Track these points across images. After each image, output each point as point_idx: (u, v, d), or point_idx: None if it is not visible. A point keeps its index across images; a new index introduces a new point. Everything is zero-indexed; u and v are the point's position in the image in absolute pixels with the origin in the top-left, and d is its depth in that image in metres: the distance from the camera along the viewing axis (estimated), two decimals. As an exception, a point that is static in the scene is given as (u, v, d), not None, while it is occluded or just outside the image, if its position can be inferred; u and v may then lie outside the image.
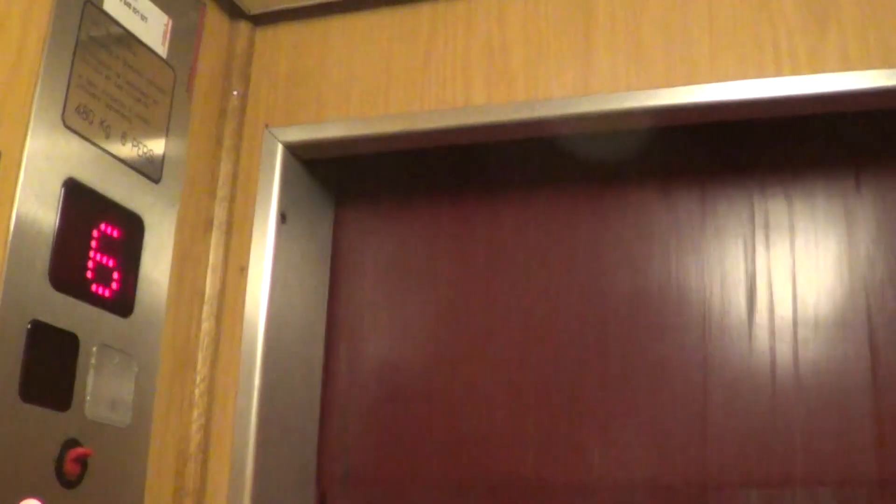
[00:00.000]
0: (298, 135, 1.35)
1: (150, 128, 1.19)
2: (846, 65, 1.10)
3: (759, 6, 1.16)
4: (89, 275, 1.06)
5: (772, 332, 1.26)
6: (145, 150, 1.17)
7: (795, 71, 1.12)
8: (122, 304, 1.11)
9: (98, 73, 1.10)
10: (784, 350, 1.25)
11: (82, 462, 1.02)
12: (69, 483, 1.00)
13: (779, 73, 1.12)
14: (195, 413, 1.23)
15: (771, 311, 1.27)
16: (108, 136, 1.11)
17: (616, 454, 1.29)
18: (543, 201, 1.43)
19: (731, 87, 1.14)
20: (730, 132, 1.32)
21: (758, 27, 1.15)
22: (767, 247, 1.29)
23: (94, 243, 1.07)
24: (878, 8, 1.11)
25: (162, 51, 1.22)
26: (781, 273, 1.28)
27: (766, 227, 1.30)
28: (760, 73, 1.13)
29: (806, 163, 1.31)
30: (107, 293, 1.08)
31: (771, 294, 1.27)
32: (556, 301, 1.37)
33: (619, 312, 1.34)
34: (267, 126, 1.36)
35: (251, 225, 1.33)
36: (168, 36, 1.23)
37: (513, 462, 1.33)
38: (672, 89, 1.16)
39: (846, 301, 1.24)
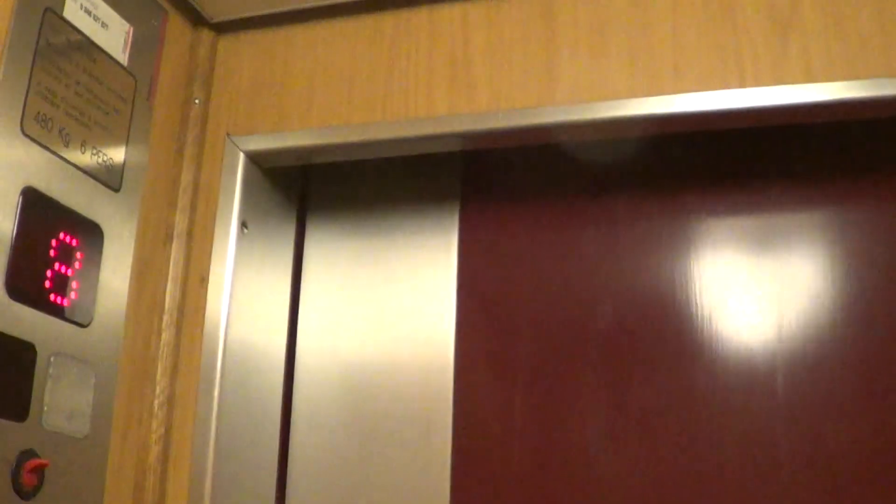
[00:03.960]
0: (260, 144, 1.34)
1: (110, 136, 1.18)
2: (809, 76, 1.11)
3: (723, 18, 1.17)
4: (47, 284, 1.05)
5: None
6: (105, 158, 1.16)
7: (758, 82, 1.13)
8: (81, 313, 1.10)
9: (57, 80, 1.09)
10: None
11: (39, 473, 1.00)
12: (25, 494, 0.99)
13: (742, 84, 1.13)
14: (154, 424, 1.22)
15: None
16: (67, 145, 1.10)
17: (614, 467, 1.29)
18: (512, 209, 1.43)
19: (694, 98, 1.14)
20: (732, 140, 1.34)
21: (721, 39, 1.16)
22: (767, 259, 1.30)
23: (52, 252, 1.06)
24: (841, 20, 1.12)
25: (123, 58, 1.21)
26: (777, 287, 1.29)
27: (761, 239, 1.31)
28: (723, 85, 1.14)
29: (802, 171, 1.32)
30: (65, 303, 1.07)
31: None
32: (528, 314, 1.37)
33: (602, 319, 1.35)
34: (228, 135, 1.35)
35: (212, 234, 1.32)
36: (129, 43, 1.22)
37: (492, 474, 1.33)
38: (635, 100, 1.16)
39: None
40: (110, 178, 1.17)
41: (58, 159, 1.08)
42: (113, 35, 1.20)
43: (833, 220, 1.29)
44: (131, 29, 1.23)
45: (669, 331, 1.31)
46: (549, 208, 1.42)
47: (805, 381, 1.24)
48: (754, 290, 1.29)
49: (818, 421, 1.22)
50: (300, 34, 1.37)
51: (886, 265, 1.25)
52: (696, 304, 1.30)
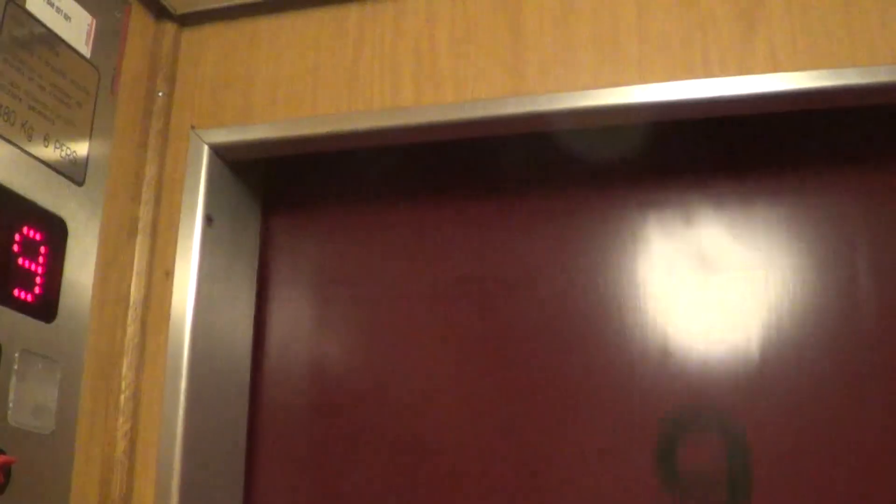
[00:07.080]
0: (225, 136, 1.33)
1: (73, 129, 1.17)
2: (775, 66, 1.12)
3: (688, 7, 1.17)
4: (11, 279, 1.04)
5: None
6: (68, 152, 1.15)
7: (724, 72, 1.13)
8: (45, 309, 1.09)
9: (20, 73, 1.08)
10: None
11: (5, 470, 0.99)
12: (-8, 492, 0.98)
13: (708, 74, 1.14)
14: (120, 419, 1.22)
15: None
16: (30, 138, 1.09)
17: (566, 458, 1.29)
18: (478, 204, 1.43)
19: (660, 88, 1.15)
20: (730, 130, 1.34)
21: (687, 29, 1.17)
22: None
23: (15, 247, 1.05)
24: (805, 10, 1.13)
25: (86, 51, 1.20)
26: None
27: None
28: (689, 75, 1.15)
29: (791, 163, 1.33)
30: (29, 298, 1.06)
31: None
32: (491, 306, 1.38)
33: (549, 320, 1.35)
34: (193, 128, 1.34)
35: (177, 228, 1.31)
36: (92, 36, 1.21)
37: (451, 470, 1.33)
38: (600, 90, 1.17)
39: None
40: (74, 172, 1.16)
41: (21, 153, 1.07)
42: (76, 27, 1.19)
43: (789, 212, 1.30)
44: (94, 21, 1.22)
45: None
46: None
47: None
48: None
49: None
50: (264, 26, 1.36)
51: (846, 256, 1.27)
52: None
